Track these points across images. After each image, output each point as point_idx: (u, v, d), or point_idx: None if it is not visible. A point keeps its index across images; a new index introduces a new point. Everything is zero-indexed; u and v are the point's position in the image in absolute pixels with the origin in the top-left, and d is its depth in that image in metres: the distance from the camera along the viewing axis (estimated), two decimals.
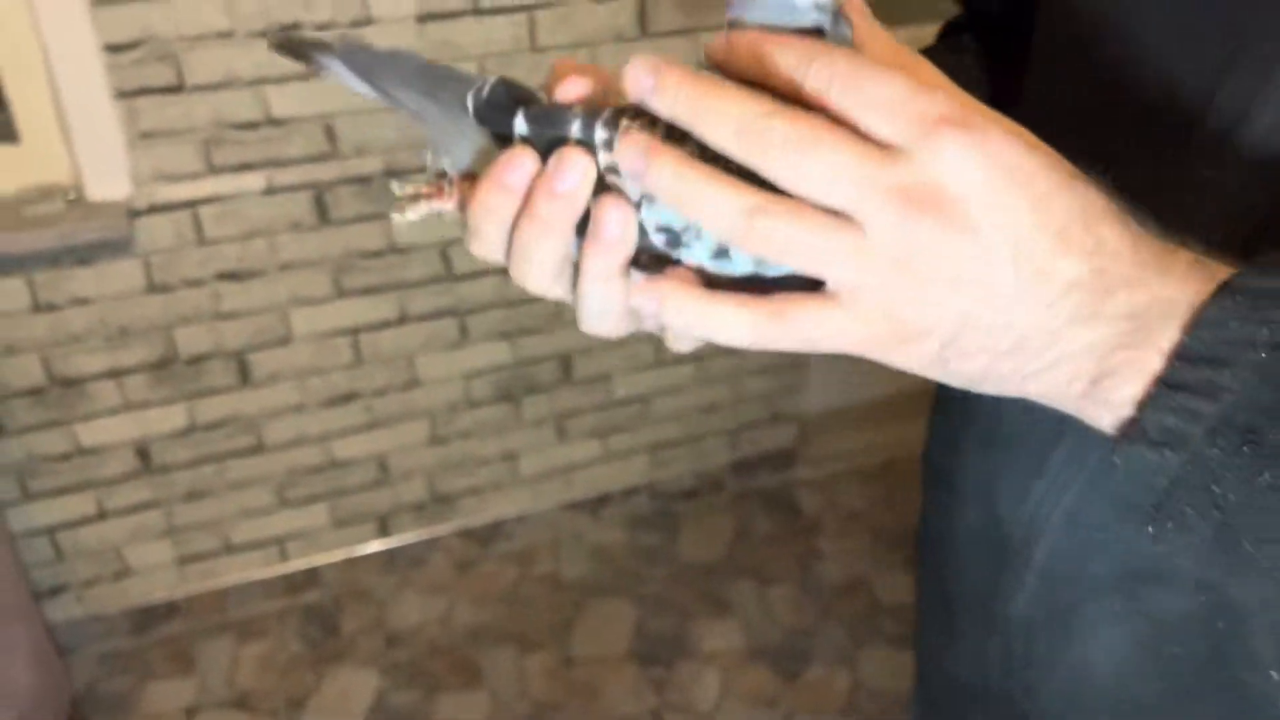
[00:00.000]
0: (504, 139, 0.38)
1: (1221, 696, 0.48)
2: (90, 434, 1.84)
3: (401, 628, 2.07)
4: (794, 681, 1.95)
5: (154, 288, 1.76)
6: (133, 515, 1.94)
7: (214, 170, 1.69)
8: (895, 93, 0.31)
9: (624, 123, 0.35)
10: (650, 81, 0.33)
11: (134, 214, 1.67)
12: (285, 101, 1.68)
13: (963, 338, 0.33)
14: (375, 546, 2.18)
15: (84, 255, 1.68)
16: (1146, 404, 0.33)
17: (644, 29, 1.81)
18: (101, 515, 1.92)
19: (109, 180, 1.64)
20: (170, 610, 2.04)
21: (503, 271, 0.41)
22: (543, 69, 1.75)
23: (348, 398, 1.98)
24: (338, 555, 2.15)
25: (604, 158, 0.35)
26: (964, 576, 0.62)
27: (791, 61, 0.32)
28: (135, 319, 1.77)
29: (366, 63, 0.41)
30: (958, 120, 0.31)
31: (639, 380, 2.19)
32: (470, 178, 0.40)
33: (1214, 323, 0.32)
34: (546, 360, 2.09)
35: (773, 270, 0.35)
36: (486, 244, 0.38)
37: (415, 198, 0.42)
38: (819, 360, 2.40)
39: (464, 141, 0.40)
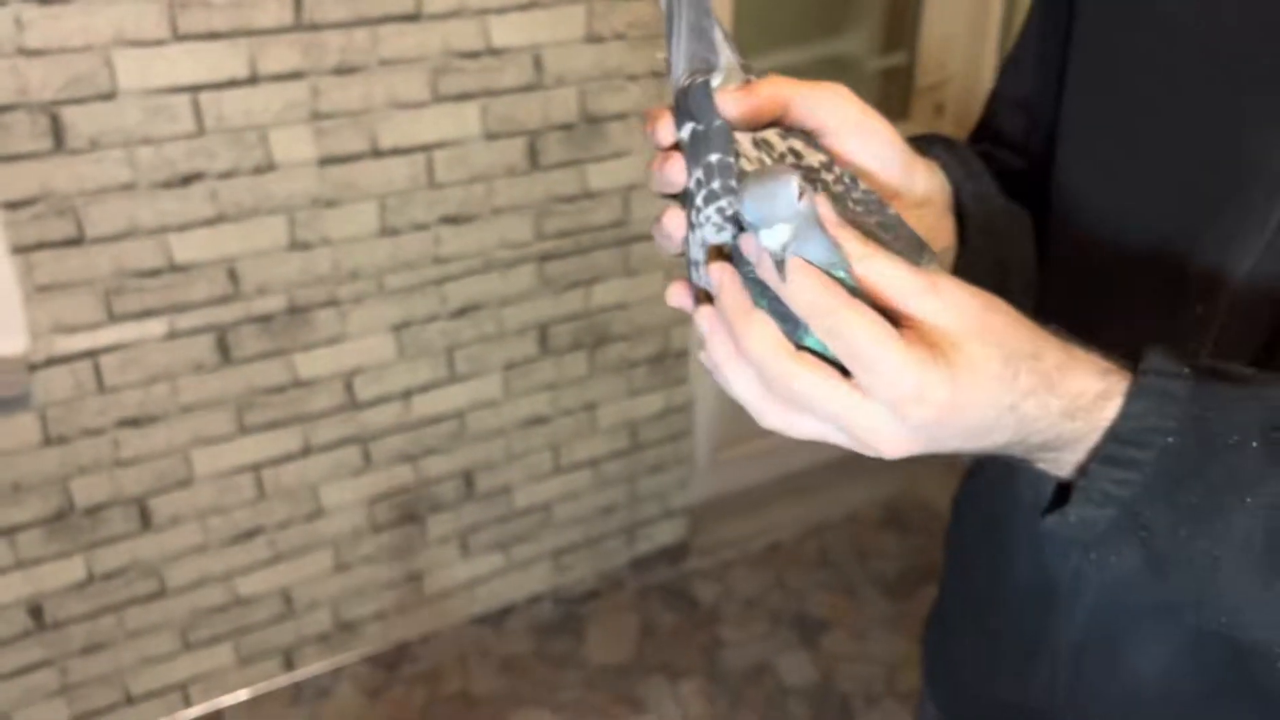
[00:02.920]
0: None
1: (1254, 688, 0.58)
2: None
3: None
4: None
5: (50, 440, 1.71)
6: (23, 677, 1.85)
7: (115, 319, 1.68)
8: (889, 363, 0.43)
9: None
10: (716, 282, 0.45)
11: (32, 367, 1.64)
12: (188, 247, 1.69)
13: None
14: (281, 681, 2.13)
15: None
16: (1089, 473, 0.45)
17: (534, 163, 1.91)
18: None
19: (5, 336, 1.60)
20: None
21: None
22: (441, 204, 1.84)
23: (251, 534, 1.96)
24: (242, 695, 2.09)
25: (692, 215, 0.47)
26: (1012, 618, 0.71)
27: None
28: (29, 474, 1.72)
29: None
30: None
31: (539, 489, 2.24)
32: None
33: (1135, 415, 0.44)
34: (449, 479, 2.12)
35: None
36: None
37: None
38: (703, 452, 2.52)
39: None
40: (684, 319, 2.23)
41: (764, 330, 0.43)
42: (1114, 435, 0.45)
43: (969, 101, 2.52)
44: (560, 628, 2.34)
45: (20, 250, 1.58)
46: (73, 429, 1.72)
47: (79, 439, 1.73)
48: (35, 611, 1.81)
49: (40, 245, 1.59)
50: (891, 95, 2.53)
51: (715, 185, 0.46)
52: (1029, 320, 0.45)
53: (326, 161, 1.74)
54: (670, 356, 2.26)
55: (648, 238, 2.10)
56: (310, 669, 2.15)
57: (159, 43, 1.56)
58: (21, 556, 1.76)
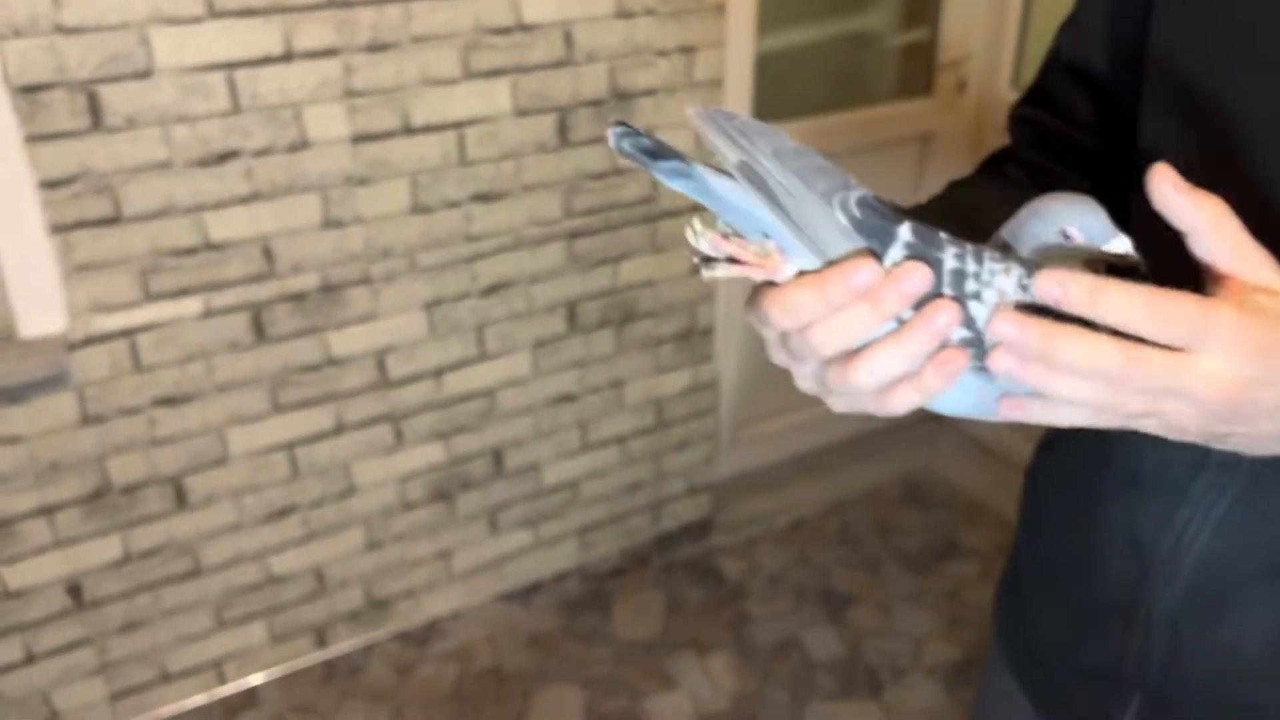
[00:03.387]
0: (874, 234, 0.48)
1: None
2: (17, 576, 1.76)
3: None
4: None
5: (88, 420, 1.72)
6: (62, 655, 1.86)
7: (151, 297, 1.68)
8: (1175, 311, 0.44)
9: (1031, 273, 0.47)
10: (1059, 293, 0.45)
11: (70, 347, 1.64)
12: (223, 225, 1.69)
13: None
14: (313, 659, 2.14)
15: (16, 394, 1.63)
16: None
17: (564, 140, 1.91)
18: (29, 659, 1.83)
19: (43, 316, 1.61)
20: None
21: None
22: (472, 182, 1.84)
23: (284, 512, 1.97)
24: (276, 672, 2.11)
25: (972, 285, 0.47)
26: (1101, 587, 0.70)
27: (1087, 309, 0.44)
28: (67, 453, 1.72)
29: (740, 127, 0.47)
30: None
31: (567, 467, 2.25)
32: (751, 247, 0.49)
33: None
34: (479, 456, 2.13)
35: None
36: (799, 315, 0.48)
37: (732, 262, 0.49)
38: (727, 429, 2.53)
39: (819, 227, 0.47)
40: (710, 295, 2.24)
41: (1087, 337, 0.44)
42: None
43: (991, 78, 2.51)
44: (588, 604, 2.36)
45: (59, 230, 1.58)
46: (110, 408, 1.72)
47: (116, 418, 1.74)
48: (74, 590, 1.82)
49: (78, 224, 1.59)
50: (913, 71, 2.52)
51: (996, 262, 0.47)
52: None
53: (359, 139, 1.74)
54: (696, 333, 2.26)
55: (675, 214, 2.11)
56: (342, 646, 2.17)
57: (195, 20, 1.56)
58: (60, 535, 1.77)
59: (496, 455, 2.15)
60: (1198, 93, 0.60)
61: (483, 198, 1.88)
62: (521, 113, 1.86)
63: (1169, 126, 0.63)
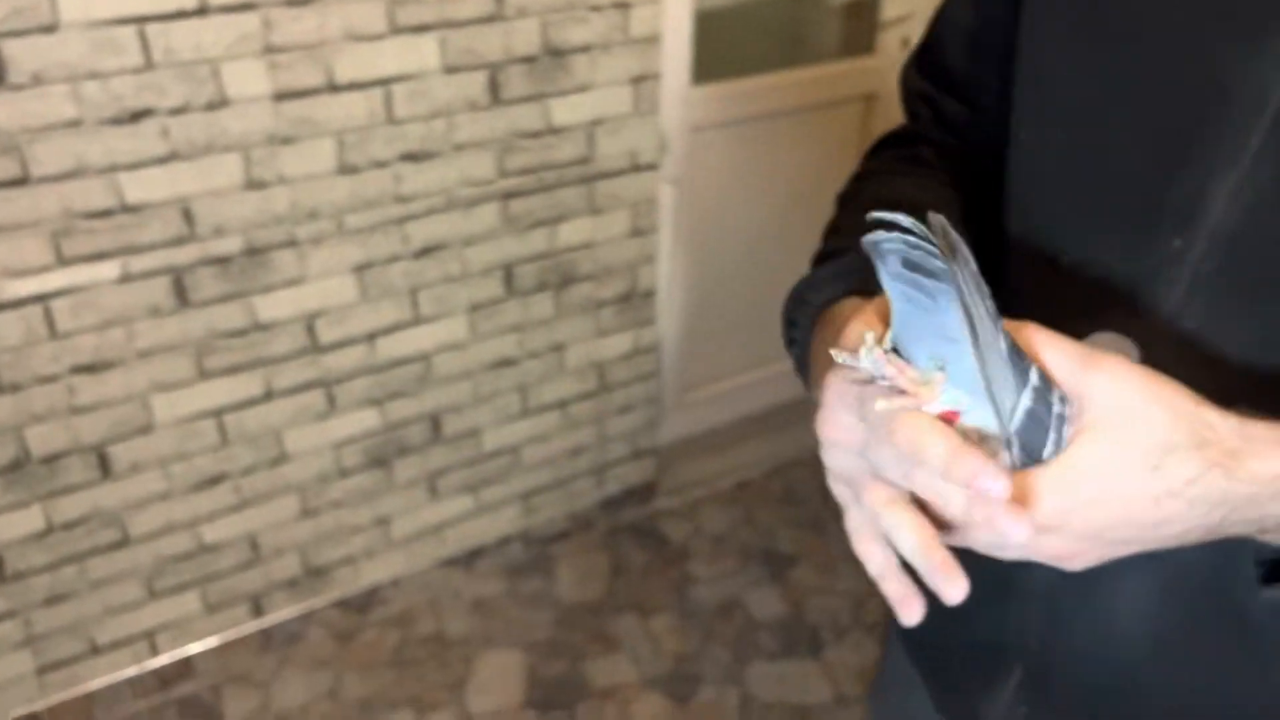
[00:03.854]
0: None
1: (1227, 621, 0.58)
2: None
3: (289, 707, 2.02)
4: (688, 705, 2.04)
5: (2, 389, 1.66)
6: None
7: (65, 261, 1.63)
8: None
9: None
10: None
11: None
12: (139, 186, 1.64)
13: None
14: (250, 628, 2.12)
15: None
16: None
17: (496, 98, 1.87)
18: None
19: None
20: None
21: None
22: (400, 141, 1.79)
23: (215, 480, 1.93)
24: (211, 641, 2.08)
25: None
26: (980, 560, 0.69)
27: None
28: None
29: (954, 244, 0.42)
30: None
31: (508, 432, 2.23)
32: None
33: None
34: (416, 422, 2.10)
35: None
36: (911, 451, 0.46)
37: (896, 392, 0.47)
38: (670, 393, 2.52)
39: (995, 374, 0.44)
40: (650, 258, 2.21)
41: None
42: None
43: None
44: (531, 568, 2.34)
45: None
46: (25, 376, 1.67)
47: (32, 386, 1.69)
48: None
49: None
50: (855, 30, 2.49)
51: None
52: (1203, 403, 0.45)
53: (281, 96, 1.69)
54: (637, 296, 2.24)
55: (613, 174, 2.08)
56: (280, 614, 2.14)
57: None
58: None
59: (434, 420, 2.12)
60: (1066, 93, 0.59)
61: (412, 157, 1.84)
62: (451, 69, 1.81)
63: (1047, 30, 0.61)
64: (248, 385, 1.88)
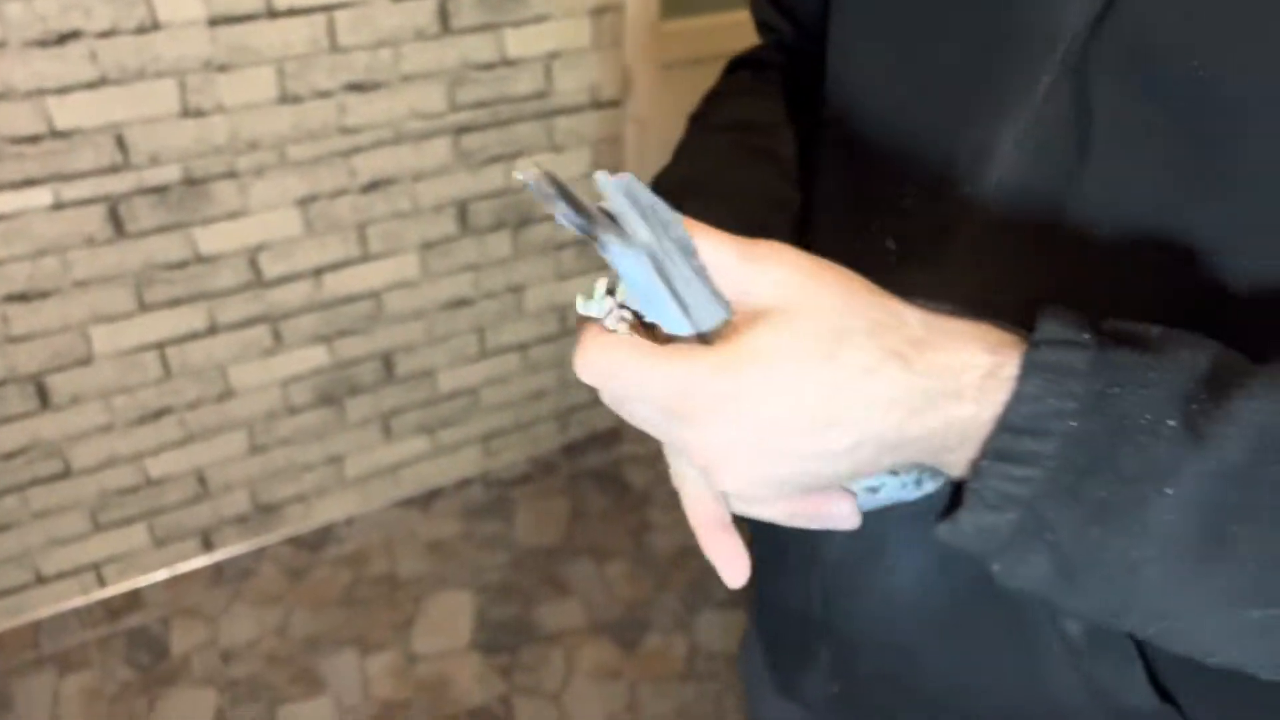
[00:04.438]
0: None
1: (1002, 604, 0.55)
2: None
3: (237, 642, 2.02)
4: (635, 652, 2.03)
5: None
6: None
7: None
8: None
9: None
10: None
11: None
12: (69, 112, 1.59)
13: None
14: (200, 562, 2.11)
15: None
16: (980, 471, 0.39)
17: (446, 26, 1.80)
18: None
19: None
20: None
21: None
22: (345, 70, 1.74)
23: (159, 414, 1.91)
24: (160, 575, 2.08)
25: None
26: (792, 532, 0.68)
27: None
28: None
29: (651, 205, 0.40)
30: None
31: (465, 374, 2.20)
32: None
33: (1030, 398, 0.37)
34: (367, 360, 2.07)
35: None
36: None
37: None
38: None
39: (707, 309, 0.41)
40: None
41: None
42: (1005, 424, 0.38)
43: None
44: (490, 511, 2.33)
45: None
46: None
47: None
48: None
49: None
50: None
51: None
52: (883, 293, 0.39)
53: (217, 21, 1.63)
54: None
55: (573, 111, 2.02)
56: (231, 550, 2.14)
57: None
58: None
59: (386, 359, 2.09)
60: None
61: (358, 88, 1.78)
62: None
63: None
64: (190, 319, 1.85)
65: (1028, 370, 0.38)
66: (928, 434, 0.39)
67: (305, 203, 1.84)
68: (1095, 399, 0.37)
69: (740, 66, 0.75)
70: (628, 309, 0.43)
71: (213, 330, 1.88)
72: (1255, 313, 0.42)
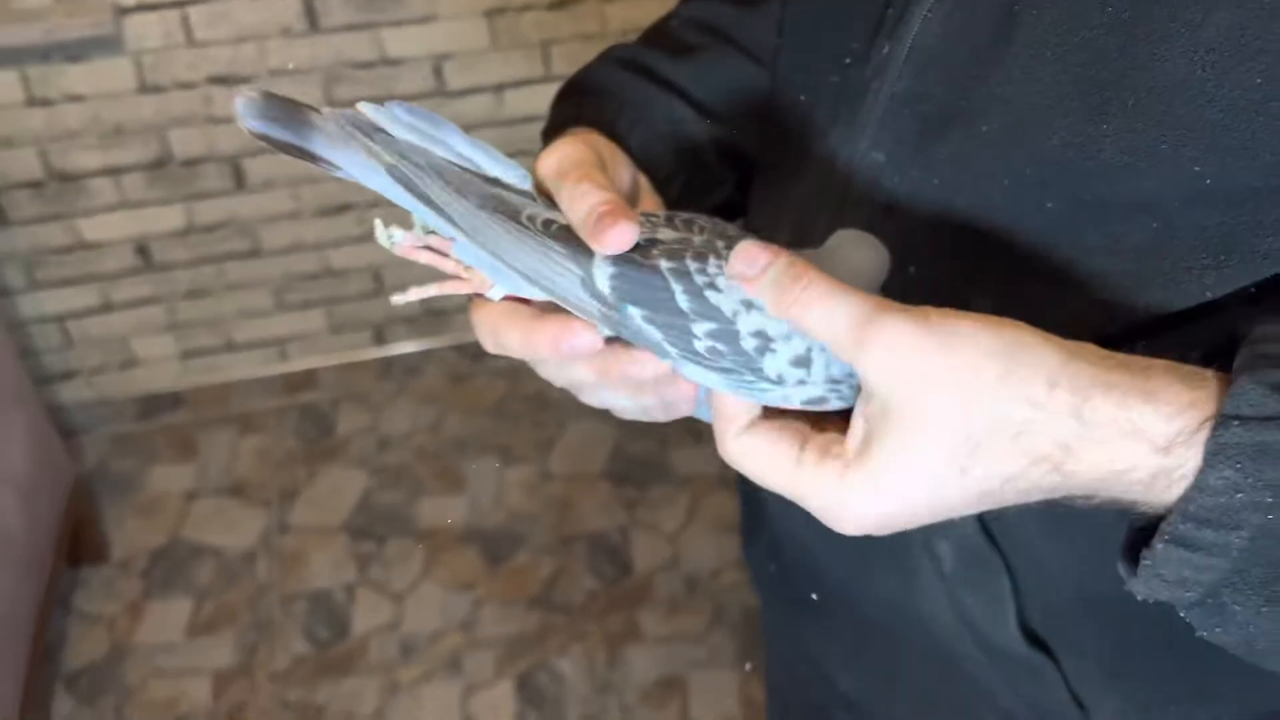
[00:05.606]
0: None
1: (893, 560, 0.54)
2: (91, 229, 1.90)
3: (394, 433, 2.17)
4: None
5: (145, 88, 1.77)
6: (136, 309, 2.02)
7: None
8: None
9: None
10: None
11: (121, 11, 1.67)
12: None
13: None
14: (371, 354, 2.25)
15: (74, 51, 1.69)
16: (1156, 555, 0.35)
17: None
18: (106, 307, 2.00)
19: None
20: (175, 400, 2.15)
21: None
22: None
23: (341, 208, 2.01)
24: (335, 359, 2.23)
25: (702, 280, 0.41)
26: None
27: None
28: (129, 119, 1.79)
29: (409, 121, 0.41)
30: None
31: None
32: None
33: (1218, 490, 0.33)
34: None
35: (836, 403, 0.40)
36: (514, 354, 0.46)
37: (424, 283, 0.45)
38: None
39: (511, 249, 0.41)
40: None
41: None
42: (1187, 515, 0.33)
43: None
44: None
45: None
46: (166, 79, 1.77)
47: (173, 90, 1.78)
48: (143, 250, 1.95)
49: None
50: None
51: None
52: (1019, 359, 0.34)
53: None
54: None
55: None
56: (400, 347, 2.26)
57: None
58: (127, 197, 1.88)
59: None
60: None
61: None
62: None
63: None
64: None
65: (1215, 457, 0.33)
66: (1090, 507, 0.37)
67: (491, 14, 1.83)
68: None
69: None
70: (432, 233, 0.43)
71: None
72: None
